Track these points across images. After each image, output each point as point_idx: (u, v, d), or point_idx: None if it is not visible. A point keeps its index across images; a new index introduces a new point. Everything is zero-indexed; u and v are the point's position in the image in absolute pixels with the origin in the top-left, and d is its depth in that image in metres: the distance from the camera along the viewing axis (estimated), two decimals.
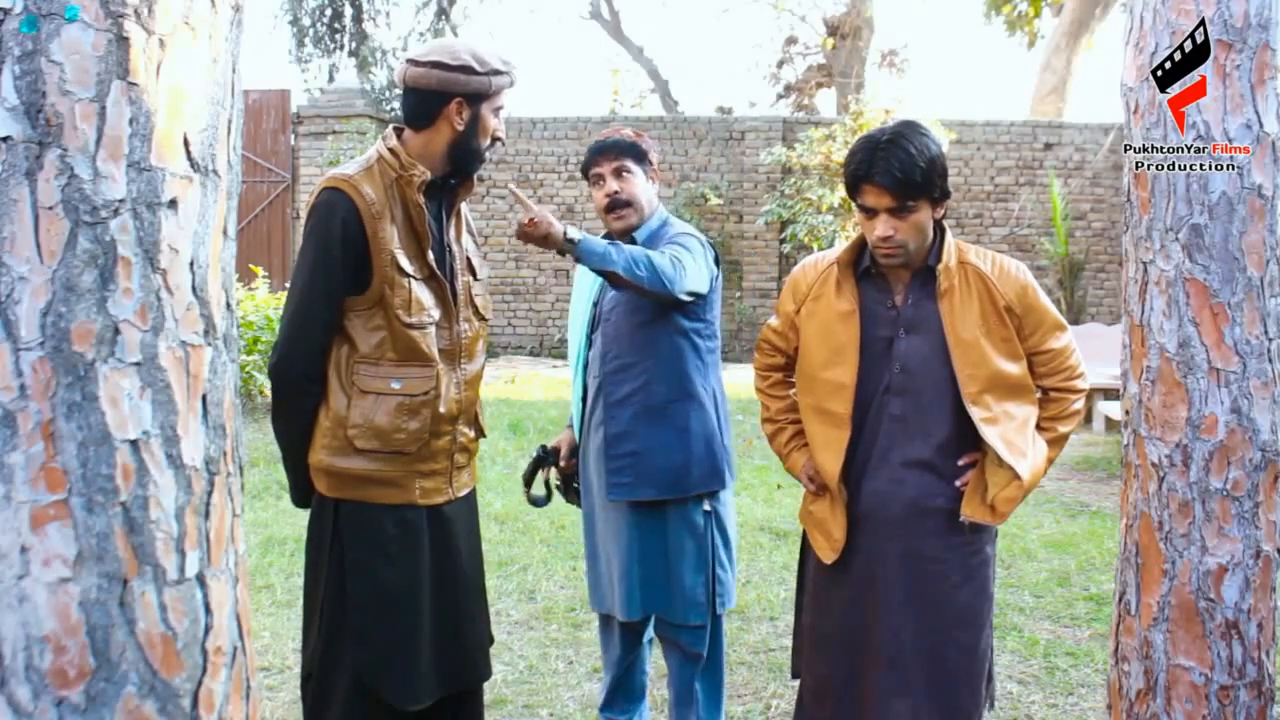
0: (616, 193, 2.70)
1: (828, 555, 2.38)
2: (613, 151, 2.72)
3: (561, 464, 2.91)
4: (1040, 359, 2.36)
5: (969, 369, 2.28)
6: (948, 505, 2.33)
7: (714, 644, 2.82)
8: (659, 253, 2.54)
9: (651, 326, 2.67)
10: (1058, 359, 2.36)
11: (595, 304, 2.81)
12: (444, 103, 2.22)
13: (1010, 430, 2.29)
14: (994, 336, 2.30)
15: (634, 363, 2.68)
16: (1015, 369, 2.32)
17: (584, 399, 2.83)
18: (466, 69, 2.20)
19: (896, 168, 2.17)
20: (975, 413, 2.28)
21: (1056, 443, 2.39)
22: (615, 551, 2.74)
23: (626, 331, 2.69)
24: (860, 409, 2.34)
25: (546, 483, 2.93)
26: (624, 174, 2.72)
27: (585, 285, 2.88)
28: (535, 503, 2.93)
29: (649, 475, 2.66)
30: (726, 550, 2.80)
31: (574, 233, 2.41)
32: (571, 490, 2.94)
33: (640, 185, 2.73)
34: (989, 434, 2.27)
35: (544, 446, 2.92)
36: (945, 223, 2.37)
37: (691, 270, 2.57)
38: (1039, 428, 2.37)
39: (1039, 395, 2.40)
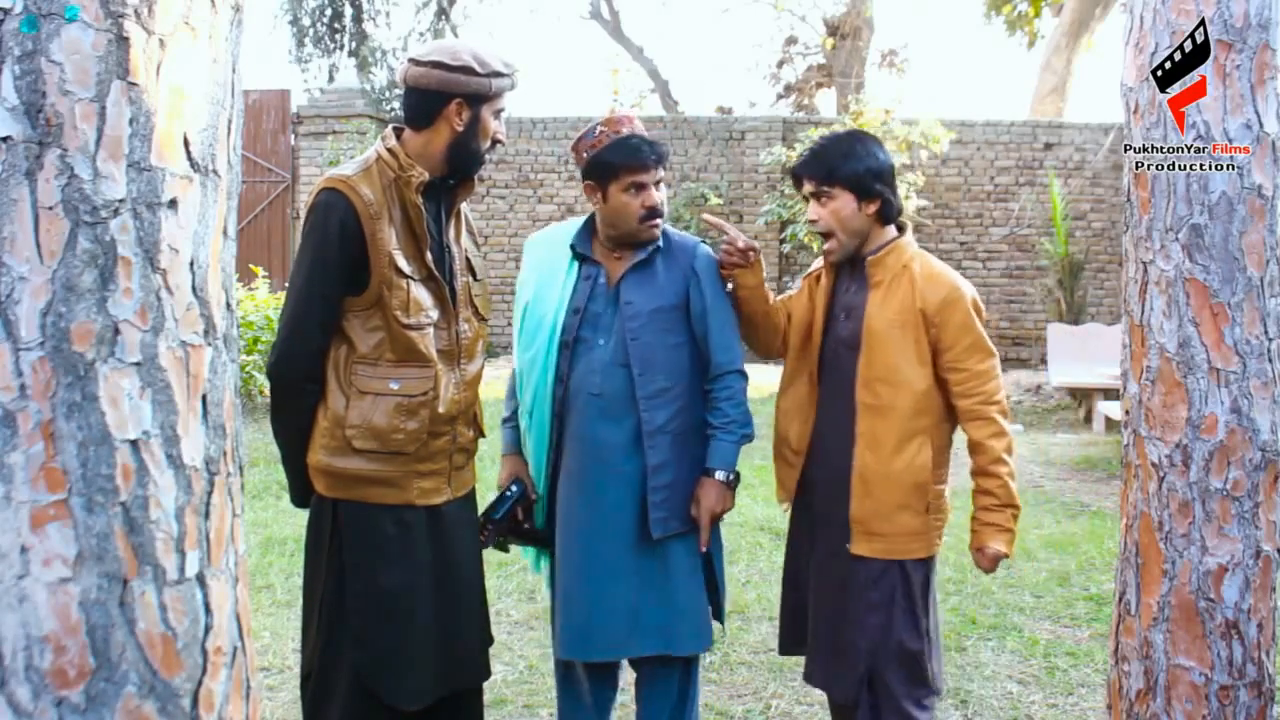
0: (658, 205, 2.55)
1: (780, 498, 2.70)
2: (659, 160, 2.54)
3: (532, 496, 2.66)
4: (956, 377, 2.45)
5: (868, 355, 2.46)
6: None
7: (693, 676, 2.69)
8: (724, 379, 2.60)
9: (684, 348, 2.58)
10: (972, 380, 2.45)
11: (576, 311, 2.58)
12: (444, 103, 2.22)
13: (882, 426, 2.45)
14: (906, 334, 2.44)
15: (669, 386, 2.55)
16: (919, 370, 2.44)
17: (554, 416, 2.59)
18: (467, 70, 2.20)
19: (816, 156, 2.48)
20: (861, 395, 2.46)
21: (983, 475, 2.47)
22: (620, 584, 2.54)
23: (661, 352, 2.54)
24: (820, 381, 2.59)
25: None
26: (660, 185, 2.55)
27: (554, 284, 2.62)
28: (505, 548, 2.70)
29: (679, 507, 2.56)
30: (721, 561, 2.73)
31: (729, 474, 2.59)
32: (521, 530, 2.67)
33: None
34: (861, 421, 2.46)
35: (520, 482, 2.65)
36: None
37: (737, 340, 2.66)
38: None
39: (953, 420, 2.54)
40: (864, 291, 2.50)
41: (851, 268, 2.56)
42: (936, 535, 2.51)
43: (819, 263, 2.66)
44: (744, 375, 2.64)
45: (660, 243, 2.61)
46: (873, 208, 2.47)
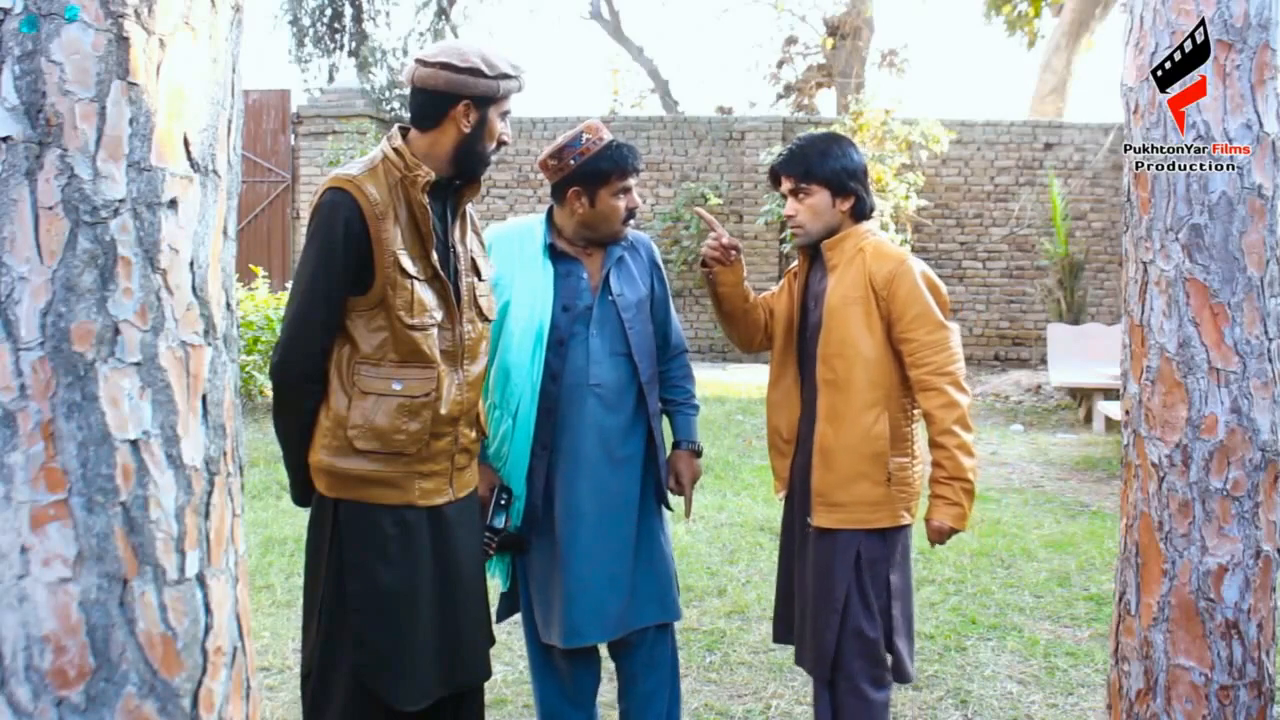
0: (639, 206, 2.74)
1: (777, 488, 2.80)
2: (639, 168, 2.69)
3: (513, 500, 2.64)
4: (907, 348, 2.52)
5: (826, 333, 2.57)
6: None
7: (673, 651, 2.84)
8: (680, 359, 2.88)
9: (653, 336, 2.79)
10: (922, 351, 2.50)
11: (566, 308, 2.64)
12: (451, 104, 2.21)
13: (840, 400, 2.53)
14: (858, 307, 2.53)
15: (654, 372, 2.77)
16: (869, 340, 2.52)
17: (542, 412, 2.63)
18: (475, 71, 2.19)
19: (794, 156, 2.62)
20: (821, 372, 2.57)
21: (933, 446, 2.52)
22: (626, 563, 2.65)
23: (647, 340, 2.75)
24: (801, 370, 2.69)
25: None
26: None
27: (533, 283, 2.66)
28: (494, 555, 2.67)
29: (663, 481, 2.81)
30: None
31: (696, 445, 2.85)
32: (511, 536, 2.65)
33: None
34: (821, 397, 2.56)
35: (506, 489, 2.61)
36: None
37: (679, 326, 2.93)
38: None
39: (911, 394, 2.59)
40: (826, 278, 2.62)
41: (821, 260, 2.67)
42: (902, 508, 2.55)
43: None
44: (687, 351, 2.95)
45: (623, 246, 2.79)
46: (846, 204, 2.61)
